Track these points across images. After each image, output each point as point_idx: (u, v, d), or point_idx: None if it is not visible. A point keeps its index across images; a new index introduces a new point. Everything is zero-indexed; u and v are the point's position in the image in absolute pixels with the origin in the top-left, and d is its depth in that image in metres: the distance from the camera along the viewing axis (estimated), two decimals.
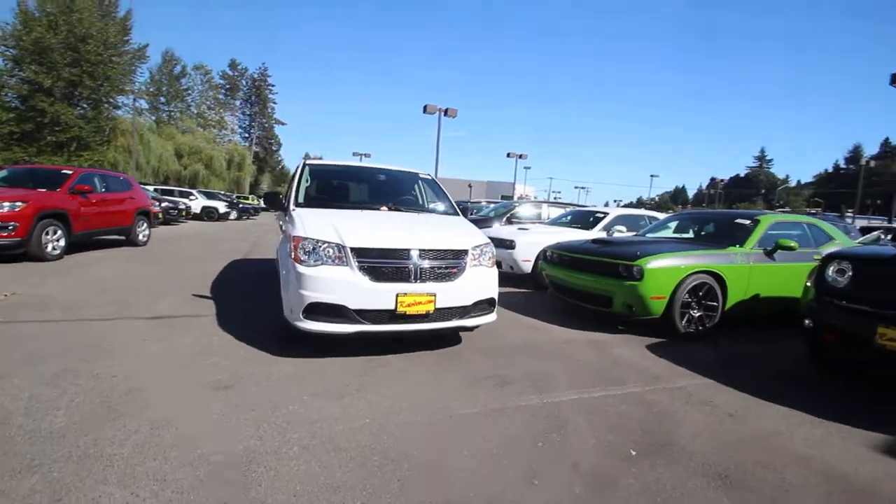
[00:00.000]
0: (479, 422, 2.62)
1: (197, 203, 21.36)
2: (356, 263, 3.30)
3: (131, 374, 2.95)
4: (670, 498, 2.01)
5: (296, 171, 5.63)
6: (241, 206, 25.66)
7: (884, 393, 3.53)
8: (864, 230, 10.27)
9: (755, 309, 5.06)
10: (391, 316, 3.32)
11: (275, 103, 67.97)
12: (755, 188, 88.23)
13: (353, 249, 3.32)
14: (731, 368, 3.83)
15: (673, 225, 6.97)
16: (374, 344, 3.67)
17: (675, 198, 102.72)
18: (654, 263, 4.55)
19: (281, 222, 4.93)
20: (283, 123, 70.51)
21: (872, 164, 43.80)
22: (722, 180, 70.76)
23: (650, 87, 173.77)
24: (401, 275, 3.36)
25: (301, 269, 3.30)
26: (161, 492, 1.83)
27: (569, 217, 9.30)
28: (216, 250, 9.90)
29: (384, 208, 4.37)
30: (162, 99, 45.35)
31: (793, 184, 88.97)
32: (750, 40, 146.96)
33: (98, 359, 3.20)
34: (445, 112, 24.27)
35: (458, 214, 4.79)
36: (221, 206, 22.45)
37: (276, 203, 4.61)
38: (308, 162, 4.86)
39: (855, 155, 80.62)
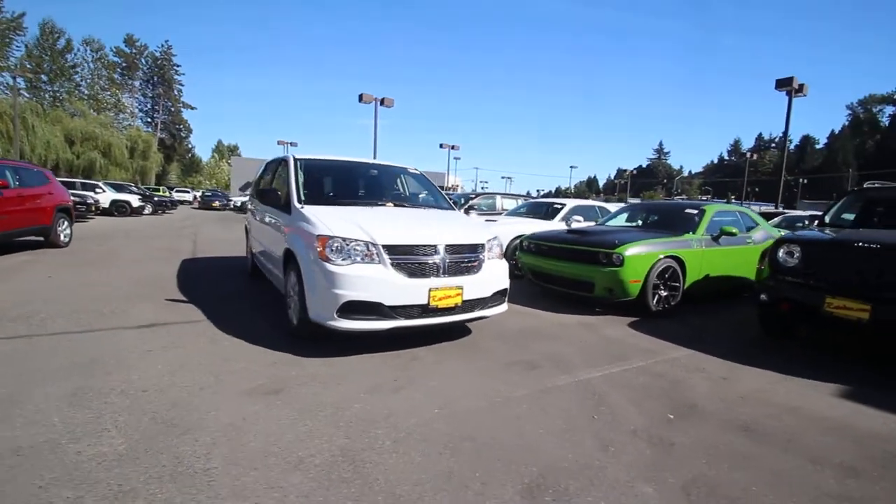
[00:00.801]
0: (534, 402, 2.85)
1: (105, 196, 19.05)
2: (389, 260, 3.34)
3: (163, 387, 2.77)
4: (718, 450, 2.39)
5: (275, 165, 5.40)
6: (156, 199, 23.31)
7: (822, 352, 4.30)
8: (765, 216, 11.92)
9: (706, 287, 5.82)
10: (423, 310, 3.41)
11: (182, 85, 62.26)
12: (656, 178, 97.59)
13: (385, 247, 3.36)
14: (703, 340, 4.43)
15: (625, 215, 7.66)
16: (396, 338, 3.73)
17: (590, 186, 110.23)
18: (632, 250, 5.06)
19: (270, 217, 4.72)
20: (192, 108, 64.79)
21: (754, 156, 50.52)
22: (632, 171, 77.23)
23: (563, 79, 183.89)
24: (431, 270, 3.46)
25: (332, 268, 3.27)
26: (285, 498, 1.82)
27: (524, 208, 9.78)
28: (154, 249, 9.06)
29: (389, 204, 4.39)
30: (44, 77, 39.41)
31: (686, 174, 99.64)
32: (646, 40, 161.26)
33: (109, 374, 2.94)
34: (382, 101, 23.91)
35: (454, 209, 4.94)
36: (134, 200, 20.23)
37: (272, 200, 4.43)
38: (297, 157, 4.69)
39: (735, 148, 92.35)
